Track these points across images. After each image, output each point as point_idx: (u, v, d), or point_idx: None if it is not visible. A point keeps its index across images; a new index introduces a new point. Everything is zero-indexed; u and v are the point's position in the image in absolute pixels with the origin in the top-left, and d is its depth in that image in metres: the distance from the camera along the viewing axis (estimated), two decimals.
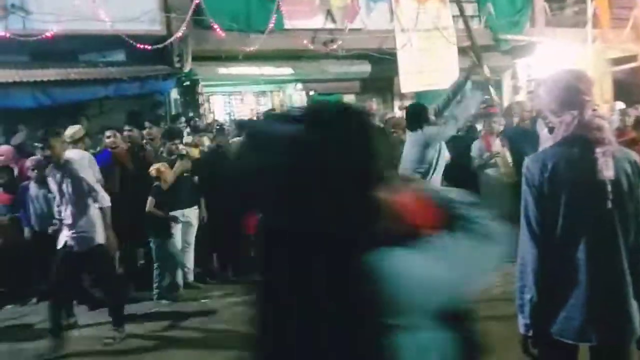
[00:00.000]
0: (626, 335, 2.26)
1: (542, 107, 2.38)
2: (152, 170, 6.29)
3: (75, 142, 6.50)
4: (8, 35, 8.01)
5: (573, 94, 2.29)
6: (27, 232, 6.51)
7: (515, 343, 4.58)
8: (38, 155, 6.72)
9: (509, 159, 7.05)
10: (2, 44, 8.22)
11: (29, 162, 6.44)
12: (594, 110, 2.35)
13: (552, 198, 2.24)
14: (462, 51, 11.78)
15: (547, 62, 11.93)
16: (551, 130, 2.40)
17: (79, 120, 8.28)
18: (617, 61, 13.57)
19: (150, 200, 6.22)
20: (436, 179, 5.56)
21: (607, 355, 2.32)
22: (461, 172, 7.06)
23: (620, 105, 10.36)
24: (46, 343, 5.25)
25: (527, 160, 2.34)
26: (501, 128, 7.60)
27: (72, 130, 6.50)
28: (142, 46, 8.87)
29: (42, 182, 6.38)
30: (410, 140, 5.62)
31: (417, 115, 5.67)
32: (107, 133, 6.83)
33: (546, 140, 2.36)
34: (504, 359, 4.17)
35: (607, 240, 2.23)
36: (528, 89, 13.26)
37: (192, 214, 6.57)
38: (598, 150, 2.22)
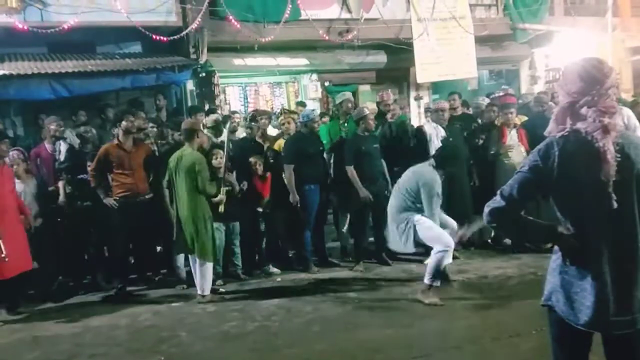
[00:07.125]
0: (637, 325, 2.24)
1: (567, 95, 2.32)
2: None
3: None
4: (26, 27, 8.07)
5: (602, 81, 2.26)
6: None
7: (531, 335, 4.53)
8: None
9: (523, 152, 6.96)
10: (20, 36, 8.28)
11: (15, 155, 6.53)
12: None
13: (579, 184, 2.24)
14: (479, 40, 11.68)
15: (566, 51, 11.75)
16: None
17: (106, 111, 8.45)
18: (638, 50, 13.33)
19: None
20: None
21: (621, 343, 2.30)
22: (481, 160, 7.41)
23: None
24: (65, 331, 5.33)
25: (548, 144, 2.29)
26: (517, 119, 7.52)
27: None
28: (158, 37, 8.90)
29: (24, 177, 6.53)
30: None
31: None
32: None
33: None
34: (521, 350, 4.16)
35: (627, 227, 2.23)
36: (546, 79, 13.08)
37: None
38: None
